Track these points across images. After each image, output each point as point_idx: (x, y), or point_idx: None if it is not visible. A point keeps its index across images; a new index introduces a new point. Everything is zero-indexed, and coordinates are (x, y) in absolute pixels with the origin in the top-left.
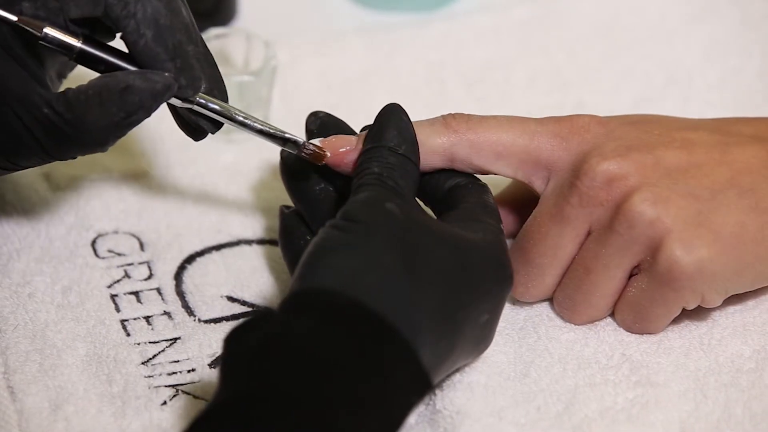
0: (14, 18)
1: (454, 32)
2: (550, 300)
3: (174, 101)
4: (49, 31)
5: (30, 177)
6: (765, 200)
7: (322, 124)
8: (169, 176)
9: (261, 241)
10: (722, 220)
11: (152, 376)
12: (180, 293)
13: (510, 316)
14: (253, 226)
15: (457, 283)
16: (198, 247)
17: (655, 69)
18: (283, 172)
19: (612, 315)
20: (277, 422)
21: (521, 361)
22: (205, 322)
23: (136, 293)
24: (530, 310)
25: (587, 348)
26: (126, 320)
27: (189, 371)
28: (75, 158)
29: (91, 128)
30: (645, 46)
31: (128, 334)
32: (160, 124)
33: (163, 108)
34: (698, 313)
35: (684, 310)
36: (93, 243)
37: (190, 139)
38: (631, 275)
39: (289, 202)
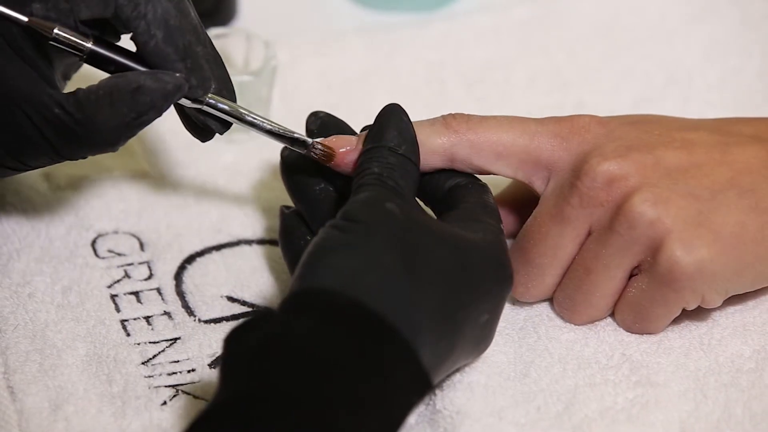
0: (25, 19)
1: (454, 32)
2: (550, 300)
3: (184, 101)
4: (59, 32)
5: (30, 177)
6: (765, 200)
7: (322, 124)
8: (169, 176)
9: (261, 241)
10: (722, 221)
11: (152, 376)
12: (180, 293)
13: (510, 316)
14: (253, 226)
15: (457, 283)
16: (198, 247)
17: (655, 69)
18: (283, 171)
19: (612, 315)
20: (277, 422)
21: (521, 361)
22: (205, 322)
23: (136, 293)
24: (530, 310)
25: (587, 348)
26: (126, 320)
27: (189, 371)
28: (85, 158)
29: (102, 128)
30: (645, 46)
31: (128, 334)
32: (161, 124)
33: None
34: (698, 313)
35: (684, 310)
36: (93, 243)
37: (190, 139)
38: (631, 275)
39: (290, 202)
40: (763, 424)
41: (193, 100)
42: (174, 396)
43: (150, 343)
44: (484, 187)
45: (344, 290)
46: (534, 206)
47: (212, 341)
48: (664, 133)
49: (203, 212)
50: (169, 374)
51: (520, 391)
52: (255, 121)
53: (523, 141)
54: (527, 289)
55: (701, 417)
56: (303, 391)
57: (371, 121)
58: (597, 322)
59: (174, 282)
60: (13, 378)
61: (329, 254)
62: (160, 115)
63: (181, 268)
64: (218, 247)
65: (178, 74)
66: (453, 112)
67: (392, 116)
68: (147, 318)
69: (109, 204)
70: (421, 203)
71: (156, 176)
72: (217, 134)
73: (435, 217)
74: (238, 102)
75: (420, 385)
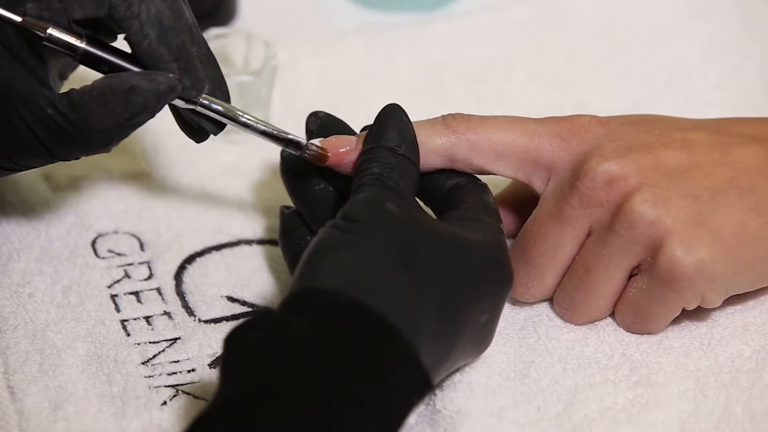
0: (18, 19)
1: (454, 32)
2: (550, 300)
3: (177, 102)
4: (53, 32)
5: (30, 177)
6: (765, 200)
7: (322, 124)
8: (169, 176)
9: (261, 241)
10: (722, 221)
11: (152, 376)
12: (180, 293)
13: (510, 316)
14: (253, 226)
15: (457, 283)
16: (198, 247)
17: (655, 69)
18: (283, 172)
19: (612, 315)
20: (276, 422)
21: (521, 361)
22: (205, 322)
23: (136, 293)
24: (530, 310)
25: (587, 348)
26: (126, 320)
27: (189, 371)
28: (78, 159)
29: (95, 129)
30: (645, 46)
31: (128, 334)
32: (161, 124)
33: (164, 108)
34: (698, 313)
35: (684, 310)
36: (93, 243)
37: (191, 139)
38: (631, 275)
39: (290, 202)
40: (763, 424)
41: (187, 101)
42: (174, 396)
43: (150, 343)
44: (484, 187)
45: (344, 290)
46: (534, 206)
47: (212, 341)
48: (664, 133)
49: (203, 212)
50: (169, 374)
51: (520, 391)
52: (249, 122)
53: (523, 141)
54: (527, 289)
55: (701, 417)
56: (303, 391)
57: (371, 121)
58: (597, 322)
59: (174, 282)
60: (13, 378)
61: (329, 254)
62: (153, 115)
63: (181, 268)
64: (218, 247)
65: (171, 75)
66: (453, 112)
67: (392, 116)
68: (147, 318)
69: (109, 204)
70: (421, 203)
71: (156, 176)
72: (214, 135)
73: (435, 217)
74: (239, 102)
75: (420, 385)
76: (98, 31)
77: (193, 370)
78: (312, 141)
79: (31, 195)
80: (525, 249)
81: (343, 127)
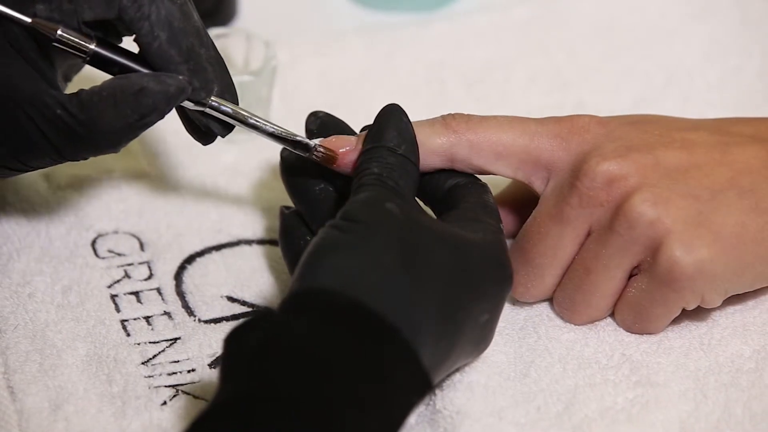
0: (28, 20)
1: (454, 32)
2: (550, 300)
3: (187, 104)
4: (63, 33)
5: (30, 177)
6: (765, 201)
7: (322, 124)
8: (169, 176)
9: (261, 241)
10: (722, 221)
11: (152, 376)
12: (180, 293)
13: (510, 316)
14: (253, 226)
15: (457, 283)
16: (198, 247)
17: (655, 69)
18: (283, 172)
19: (612, 315)
20: (276, 422)
21: (521, 361)
22: (205, 322)
23: (136, 293)
24: (530, 310)
25: (587, 348)
26: (126, 320)
27: (189, 371)
28: (86, 159)
29: (105, 129)
30: (645, 46)
31: (128, 334)
32: (162, 124)
33: None
34: (698, 313)
35: (684, 310)
36: (93, 243)
37: (191, 140)
38: (631, 275)
39: (290, 202)
40: (763, 424)
41: (196, 103)
42: (174, 396)
43: (150, 343)
44: (484, 186)
45: (344, 290)
46: (534, 206)
47: (212, 341)
48: (664, 133)
49: (203, 212)
50: (169, 374)
51: (520, 391)
52: (258, 123)
53: (523, 141)
54: (527, 289)
55: (701, 417)
56: (303, 391)
57: (371, 121)
58: (597, 322)
59: (174, 282)
60: (13, 378)
61: (329, 254)
62: (162, 117)
63: (181, 268)
64: (218, 247)
65: (181, 77)
66: (453, 112)
67: (392, 116)
68: (147, 318)
69: (109, 204)
70: (421, 203)
71: (156, 176)
72: (222, 137)
73: (435, 217)
74: (240, 102)
75: (420, 385)
76: (107, 33)
77: (193, 370)
78: (318, 141)
79: (31, 195)
80: (525, 249)
81: (342, 127)
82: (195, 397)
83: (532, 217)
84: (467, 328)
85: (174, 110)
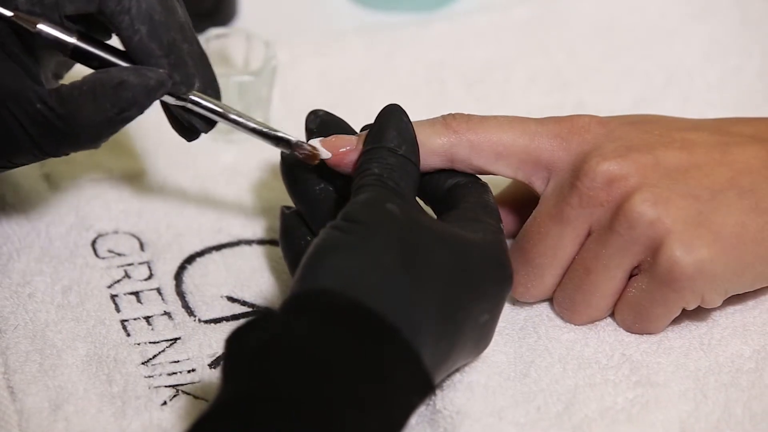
0: (10, 14)
1: (454, 32)
2: (550, 300)
3: (167, 99)
4: (43, 27)
5: (30, 177)
6: (765, 201)
7: (321, 122)
8: (169, 176)
9: (261, 242)
10: (722, 221)
11: (152, 376)
12: (180, 293)
13: (510, 316)
14: (253, 226)
15: (457, 284)
16: (198, 247)
17: (655, 69)
18: (283, 171)
19: (612, 315)
20: (276, 422)
21: (521, 361)
22: (205, 322)
23: (136, 293)
24: (530, 310)
25: (587, 348)
26: (126, 320)
27: (189, 371)
28: (68, 155)
29: (84, 124)
30: (645, 46)
31: (128, 334)
32: (161, 124)
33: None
34: (698, 313)
35: (684, 310)
36: (93, 243)
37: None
38: (631, 276)
39: (290, 202)
40: (763, 424)
41: (177, 98)
42: (174, 396)
43: (150, 343)
44: (484, 186)
45: (345, 291)
46: (534, 206)
47: (212, 341)
48: (664, 134)
49: (203, 212)
50: (169, 374)
51: (520, 391)
52: (239, 119)
53: (523, 141)
54: (527, 289)
55: (701, 417)
56: (303, 391)
57: (371, 121)
58: (597, 322)
59: (174, 282)
60: (13, 378)
61: (330, 255)
62: (142, 111)
63: (181, 268)
64: (218, 247)
65: (161, 70)
66: (453, 112)
67: (392, 117)
68: (147, 318)
69: (109, 204)
70: (421, 203)
71: (156, 176)
72: (216, 134)
73: (435, 218)
74: (239, 102)
75: (421, 385)
76: (91, 29)
77: (193, 370)
78: (311, 143)
79: (31, 195)
80: (525, 249)
81: (342, 125)
82: (195, 397)
83: (532, 217)
84: (467, 328)
85: (160, 107)
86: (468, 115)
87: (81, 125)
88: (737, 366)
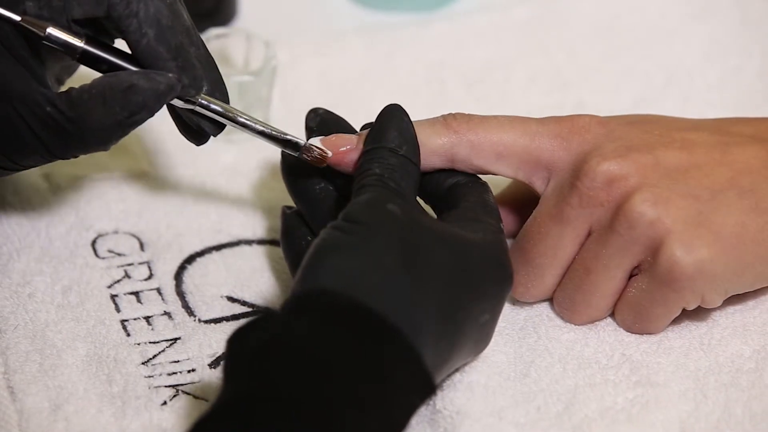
0: (18, 18)
1: (454, 32)
2: (550, 300)
3: (176, 102)
4: (52, 31)
5: (30, 177)
6: (765, 201)
7: (321, 121)
8: (169, 176)
9: (261, 242)
10: (722, 221)
11: (152, 376)
12: (180, 293)
13: (510, 316)
14: (253, 226)
15: (457, 284)
16: (198, 247)
17: (655, 69)
18: (283, 170)
19: (612, 315)
20: (277, 422)
21: (521, 361)
22: (205, 322)
23: (136, 293)
24: (530, 310)
25: (587, 348)
26: (126, 320)
27: (189, 371)
28: (77, 157)
29: (94, 127)
30: (645, 46)
31: (128, 334)
32: (161, 124)
33: (164, 108)
34: (698, 313)
35: (684, 310)
36: (93, 243)
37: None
38: (631, 276)
39: (290, 202)
40: (763, 424)
41: (186, 101)
42: (174, 396)
43: (150, 343)
44: (484, 185)
45: (345, 291)
46: (534, 206)
47: (212, 341)
48: (664, 134)
49: (203, 212)
50: (169, 374)
51: (520, 391)
52: (247, 122)
53: (524, 141)
54: (527, 289)
55: (701, 417)
56: (303, 391)
57: (371, 121)
58: (597, 322)
59: (174, 282)
60: (13, 378)
61: (330, 255)
62: (152, 114)
63: (181, 268)
64: (218, 247)
65: (170, 75)
66: (453, 112)
67: (393, 117)
68: (147, 318)
69: (109, 204)
70: (420, 202)
71: (156, 176)
72: (214, 136)
73: (435, 217)
74: (239, 102)
75: (422, 386)
76: (98, 34)
77: (193, 370)
78: (311, 142)
79: (31, 195)
80: (525, 249)
81: (342, 124)
82: (195, 397)
83: (533, 217)
84: (467, 328)
85: (167, 111)
86: (468, 115)
87: (90, 129)
88: (737, 366)
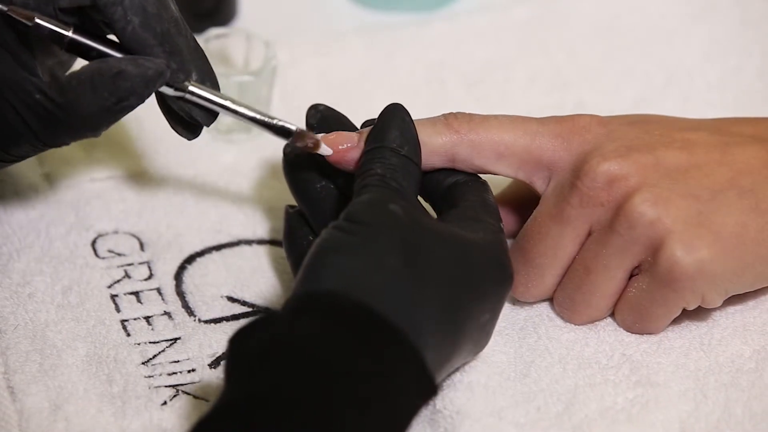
0: (5, 8)
1: (454, 32)
2: (550, 300)
3: (166, 90)
4: (39, 20)
5: (30, 177)
6: (765, 201)
7: (322, 117)
8: (169, 176)
9: (261, 242)
10: (722, 221)
11: (152, 376)
12: (180, 293)
13: (510, 316)
14: (253, 226)
15: (458, 284)
16: (198, 247)
17: (655, 69)
18: (285, 169)
19: (612, 315)
20: (278, 423)
21: (521, 361)
22: (205, 322)
23: (136, 293)
24: (530, 310)
25: (587, 348)
26: (126, 320)
27: (189, 371)
28: (68, 144)
29: (83, 113)
30: (645, 46)
31: (128, 334)
32: (161, 124)
33: None
34: (698, 313)
35: (684, 310)
36: (93, 243)
37: (184, 138)
38: (631, 276)
39: (292, 202)
40: (763, 424)
41: (176, 88)
42: (174, 396)
43: (150, 343)
44: (484, 184)
45: (347, 292)
46: (534, 206)
47: (212, 341)
48: (664, 134)
49: (203, 212)
50: (169, 374)
51: (520, 391)
52: (238, 108)
53: (525, 141)
54: (527, 289)
55: (701, 417)
56: (304, 392)
57: None
58: (597, 322)
59: (174, 282)
60: (13, 378)
61: (332, 255)
62: (142, 101)
63: (181, 268)
64: (218, 247)
65: (159, 60)
66: (454, 111)
67: (395, 116)
68: (147, 318)
69: (109, 204)
70: (420, 200)
71: (156, 176)
72: (216, 135)
73: (436, 217)
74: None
75: (423, 387)
76: (85, 25)
77: (193, 370)
78: (302, 128)
79: (31, 195)
80: (525, 249)
81: (343, 120)
82: (195, 397)
83: (533, 217)
84: (468, 328)
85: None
86: (469, 114)
87: (80, 115)
88: (737, 366)
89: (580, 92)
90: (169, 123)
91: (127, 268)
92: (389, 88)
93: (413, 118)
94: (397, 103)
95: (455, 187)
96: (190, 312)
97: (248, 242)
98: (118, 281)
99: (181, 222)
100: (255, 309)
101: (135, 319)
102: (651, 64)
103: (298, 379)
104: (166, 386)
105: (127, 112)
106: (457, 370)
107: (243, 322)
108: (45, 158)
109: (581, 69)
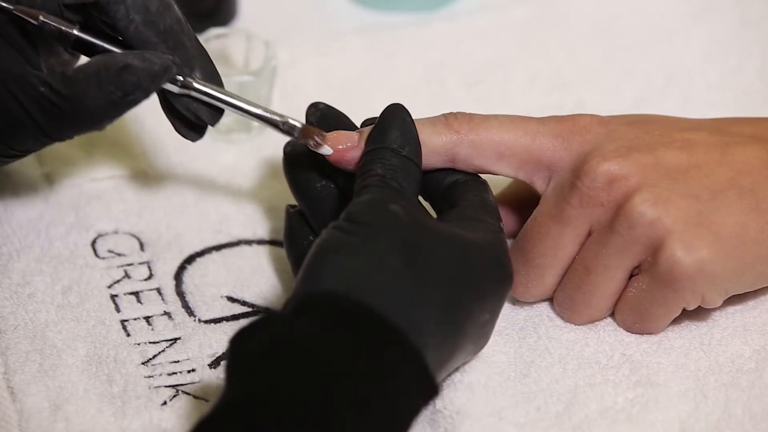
0: (10, 7)
1: (454, 32)
2: (550, 300)
3: (171, 87)
4: (45, 19)
5: (30, 177)
6: (765, 201)
7: (322, 116)
8: (169, 176)
9: (261, 242)
10: (722, 221)
11: (152, 376)
12: (180, 293)
13: (510, 316)
14: (253, 226)
15: (458, 284)
16: (198, 247)
17: (655, 69)
18: (285, 168)
19: (612, 315)
20: (278, 423)
21: (521, 361)
22: (205, 322)
23: (136, 293)
24: (530, 310)
25: (587, 348)
26: (126, 320)
27: (189, 371)
28: (72, 138)
29: (89, 106)
30: (645, 46)
31: (128, 335)
32: (161, 124)
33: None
34: (698, 313)
35: (684, 310)
36: (93, 243)
37: (189, 141)
38: (631, 276)
39: (292, 202)
40: (763, 424)
41: (181, 85)
42: (174, 396)
43: (150, 343)
44: (483, 184)
45: (348, 292)
46: (534, 206)
47: (212, 341)
48: (664, 134)
49: (203, 212)
50: (169, 374)
51: (520, 391)
52: (243, 105)
53: (525, 141)
54: (527, 289)
55: (701, 417)
56: (305, 392)
57: None
58: (597, 322)
59: (174, 282)
60: (13, 378)
61: (332, 256)
62: (147, 95)
63: (181, 268)
64: (218, 247)
65: (165, 55)
66: (454, 111)
67: (395, 117)
68: (147, 318)
69: (109, 204)
70: (420, 200)
71: (156, 176)
72: (216, 135)
73: (436, 217)
74: None
75: (424, 387)
76: (88, 23)
77: (193, 370)
78: (309, 126)
79: (31, 195)
80: (525, 249)
81: (343, 119)
82: (195, 397)
83: (533, 217)
84: (468, 328)
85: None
86: (470, 114)
87: (85, 108)
88: (737, 366)
89: (580, 92)
90: (173, 125)
91: (127, 268)
92: (389, 88)
93: (413, 118)
94: (397, 104)
95: (455, 186)
96: (190, 312)
97: (248, 242)
98: (118, 281)
99: (181, 222)
100: (255, 309)
101: (135, 319)
102: (651, 64)
103: (299, 379)
104: (166, 386)
105: (133, 107)
106: (457, 370)
107: (243, 322)
108: (45, 158)
109: (581, 69)
